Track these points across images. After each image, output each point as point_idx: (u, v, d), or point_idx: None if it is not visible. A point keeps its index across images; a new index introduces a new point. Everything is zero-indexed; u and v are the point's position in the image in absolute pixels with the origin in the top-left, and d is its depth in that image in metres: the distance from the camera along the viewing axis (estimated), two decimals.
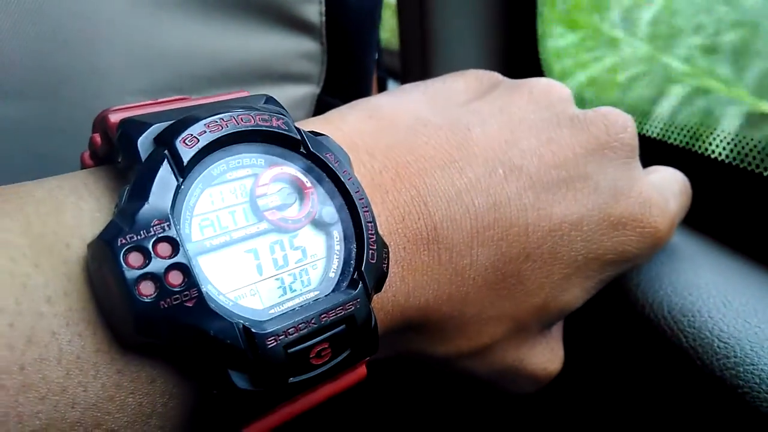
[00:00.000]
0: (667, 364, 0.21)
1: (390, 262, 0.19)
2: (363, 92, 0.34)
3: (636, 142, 0.24)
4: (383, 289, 0.19)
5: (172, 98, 0.18)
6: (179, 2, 0.25)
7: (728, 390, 0.19)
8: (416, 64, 0.45)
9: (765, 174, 0.27)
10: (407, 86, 0.25)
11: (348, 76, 0.33)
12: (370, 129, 0.21)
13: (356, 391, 0.18)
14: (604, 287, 0.25)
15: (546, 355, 0.25)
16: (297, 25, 0.28)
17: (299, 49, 0.29)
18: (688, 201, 0.27)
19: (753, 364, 0.18)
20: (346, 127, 0.21)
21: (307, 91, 0.31)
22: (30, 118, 0.23)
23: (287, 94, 0.30)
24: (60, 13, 0.22)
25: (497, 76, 0.26)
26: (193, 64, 0.25)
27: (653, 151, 0.31)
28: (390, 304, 0.19)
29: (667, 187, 0.26)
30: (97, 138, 0.17)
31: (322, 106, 0.31)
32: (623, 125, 0.24)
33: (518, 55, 0.44)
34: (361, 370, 0.18)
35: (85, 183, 0.16)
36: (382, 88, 0.52)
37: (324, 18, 0.29)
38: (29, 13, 0.22)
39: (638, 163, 0.25)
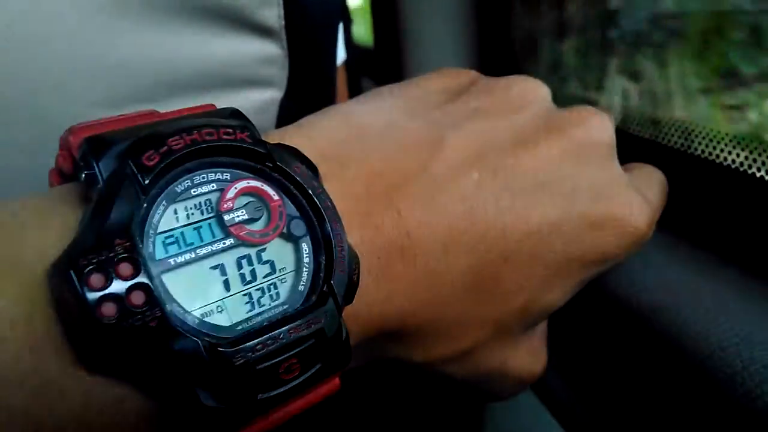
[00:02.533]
0: (641, 361, 0.21)
1: (363, 272, 0.19)
2: (327, 95, 0.34)
3: (614, 140, 0.24)
4: (358, 299, 0.19)
5: (138, 113, 0.17)
6: (133, 11, 0.24)
7: (698, 385, 0.19)
8: (391, 62, 0.45)
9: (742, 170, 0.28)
10: (380, 90, 0.25)
11: (311, 79, 0.33)
12: (341, 137, 0.21)
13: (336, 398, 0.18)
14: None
15: (529, 357, 0.25)
16: (256, 29, 0.28)
17: (260, 54, 0.29)
18: (665, 197, 0.27)
19: (721, 359, 0.19)
20: (317, 135, 0.21)
21: (271, 96, 0.30)
22: None
23: (250, 99, 0.29)
24: (12, 31, 0.22)
25: (473, 74, 0.26)
26: (151, 73, 0.25)
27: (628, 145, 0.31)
28: (365, 313, 0.19)
29: (646, 185, 0.26)
30: (62, 156, 0.17)
31: (285, 110, 0.31)
32: (601, 124, 0.24)
33: (493, 51, 0.44)
34: (334, 383, 0.18)
35: (50, 202, 0.16)
36: (356, 86, 0.52)
37: (283, 21, 0.29)
38: None
39: (616, 162, 0.25)
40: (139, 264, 0.14)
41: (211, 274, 0.15)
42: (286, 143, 0.18)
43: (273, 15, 0.28)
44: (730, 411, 0.18)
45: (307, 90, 0.32)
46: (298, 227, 0.17)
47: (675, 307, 0.22)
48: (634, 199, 0.24)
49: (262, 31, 0.28)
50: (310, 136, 0.21)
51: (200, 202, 0.16)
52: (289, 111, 0.30)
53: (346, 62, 0.40)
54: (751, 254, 0.25)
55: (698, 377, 0.19)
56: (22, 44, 0.22)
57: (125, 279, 0.13)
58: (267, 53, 0.29)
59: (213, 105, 0.19)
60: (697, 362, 0.19)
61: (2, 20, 0.22)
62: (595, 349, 0.24)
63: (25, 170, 0.22)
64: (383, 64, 0.46)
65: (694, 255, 0.26)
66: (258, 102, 0.30)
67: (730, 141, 0.28)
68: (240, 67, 0.28)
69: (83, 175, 0.15)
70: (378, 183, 0.20)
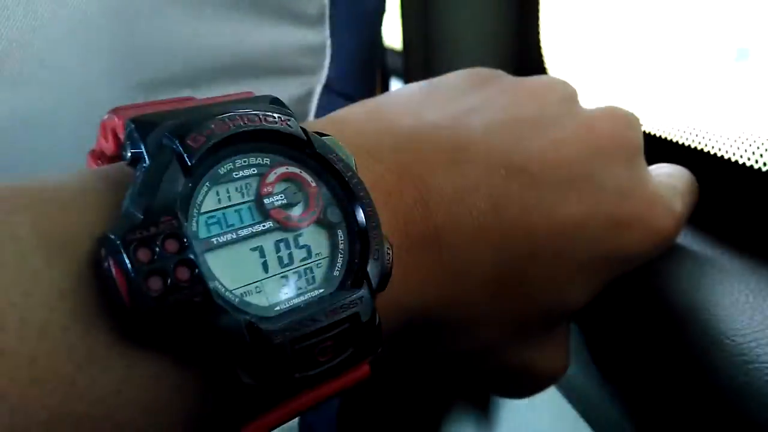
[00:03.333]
0: (669, 362, 0.21)
1: (393, 264, 0.19)
2: (367, 87, 0.35)
3: (641, 140, 0.24)
4: (386, 291, 0.19)
5: (177, 98, 0.18)
6: None
7: (733, 389, 0.19)
8: (419, 63, 0.45)
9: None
10: (410, 86, 0.25)
11: (352, 71, 0.33)
12: (372, 131, 0.22)
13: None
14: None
15: (551, 356, 0.25)
16: (299, 19, 0.29)
17: (302, 44, 0.29)
18: (695, 199, 0.27)
19: (763, 363, 0.18)
20: (348, 129, 0.21)
21: (310, 85, 0.31)
22: (31, 110, 0.23)
23: (290, 88, 0.30)
24: (58, 12, 0.22)
25: (500, 73, 0.26)
26: (193, 59, 0.26)
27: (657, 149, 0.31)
28: (393, 306, 0.20)
29: (673, 186, 0.26)
30: (105, 137, 0.17)
31: (325, 101, 0.31)
32: (628, 124, 0.24)
33: (522, 54, 0.44)
34: (364, 369, 0.18)
35: (94, 180, 0.16)
36: (385, 86, 0.52)
37: (327, 12, 0.29)
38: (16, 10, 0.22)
39: (643, 162, 0.25)
40: (184, 241, 0.14)
41: (250, 256, 0.16)
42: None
43: (316, 4, 0.29)
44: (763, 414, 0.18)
45: (349, 81, 0.32)
46: (334, 214, 0.18)
47: (708, 306, 0.22)
48: (661, 199, 0.24)
49: (306, 20, 0.29)
50: (342, 128, 0.21)
51: (241, 186, 0.16)
52: (330, 103, 0.31)
53: (381, 60, 0.41)
54: None
55: (733, 380, 0.19)
56: (75, 19, 0.23)
57: (172, 254, 0.14)
58: (308, 43, 0.29)
59: (251, 92, 0.19)
60: (733, 363, 0.19)
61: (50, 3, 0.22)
62: (622, 347, 0.24)
63: (70, 147, 0.22)
64: (412, 64, 0.46)
65: (726, 254, 0.26)
66: (297, 91, 0.30)
67: None
68: (281, 56, 0.29)
69: (129, 154, 0.16)
70: (407, 177, 0.20)
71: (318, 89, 0.31)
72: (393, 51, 0.58)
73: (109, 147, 0.17)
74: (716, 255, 0.26)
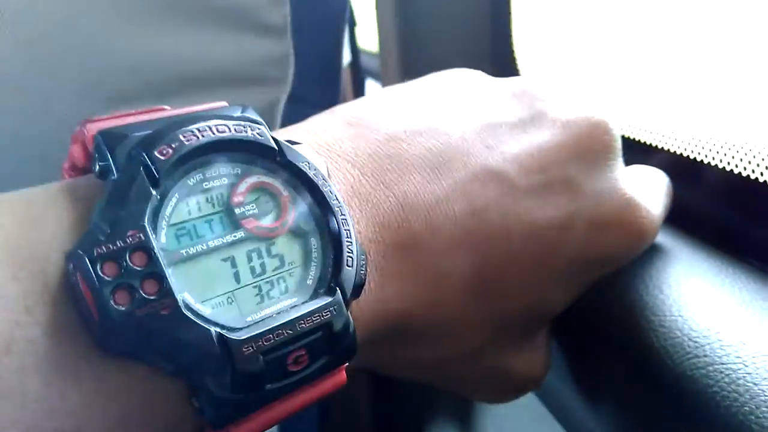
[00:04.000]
0: (641, 364, 0.21)
1: (368, 270, 0.19)
2: (332, 95, 0.35)
3: (618, 142, 0.25)
4: (362, 297, 0.19)
5: (149, 109, 0.18)
6: (141, 9, 0.25)
7: (699, 389, 0.19)
8: (395, 64, 0.45)
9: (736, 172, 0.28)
10: (387, 90, 0.25)
11: (316, 79, 0.33)
12: (348, 136, 0.21)
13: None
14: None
15: (531, 361, 0.25)
16: (262, 29, 0.29)
17: (266, 53, 0.29)
18: (670, 201, 0.27)
19: (723, 363, 0.19)
20: (325, 134, 0.21)
21: (276, 95, 0.31)
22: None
23: (255, 98, 0.30)
24: (26, 26, 0.22)
25: (479, 74, 0.26)
26: (160, 71, 0.26)
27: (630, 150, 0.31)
28: (369, 312, 0.20)
29: (650, 187, 0.26)
30: (75, 150, 0.17)
31: (290, 110, 0.31)
32: (605, 126, 0.24)
33: (496, 54, 0.44)
34: (340, 376, 0.18)
35: (63, 193, 0.16)
36: (360, 88, 0.52)
37: (289, 21, 0.29)
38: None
39: (621, 164, 0.25)
40: (152, 254, 0.14)
41: (222, 266, 0.16)
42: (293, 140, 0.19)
43: (279, 15, 0.29)
44: (731, 417, 0.18)
45: (314, 89, 0.32)
46: (307, 222, 0.18)
47: (681, 310, 0.22)
48: (638, 201, 0.24)
49: (269, 30, 0.29)
50: (317, 134, 0.21)
51: (212, 196, 0.16)
52: (294, 111, 0.31)
53: (351, 64, 0.41)
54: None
55: (699, 382, 0.19)
56: (36, 39, 0.22)
57: (139, 267, 0.14)
58: (272, 53, 0.30)
59: (225, 103, 0.19)
60: (699, 366, 0.19)
61: (17, 17, 0.22)
62: (599, 352, 0.25)
63: (36, 162, 0.22)
64: (388, 66, 0.46)
65: (696, 255, 0.26)
66: (263, 101, 0.30)
67: None
68: (246, 66, 0.29)
69: (97, 167, 0.15)
70: (384, 183, 0.20)
71: (283, 99, 0.31)
72: (368, 53, 0.58)
73: (79, 160, 0.17)
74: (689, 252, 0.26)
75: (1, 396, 0.13)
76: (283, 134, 0.21)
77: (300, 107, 0.31)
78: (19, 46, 0.22)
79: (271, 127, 0.24)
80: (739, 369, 0.18)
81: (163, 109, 0.18)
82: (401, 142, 0.22)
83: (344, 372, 0.18)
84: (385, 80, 0.48)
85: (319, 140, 0.21)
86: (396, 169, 0.21)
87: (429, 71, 0.26)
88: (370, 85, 0.62)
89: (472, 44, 0.43)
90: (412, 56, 0.43)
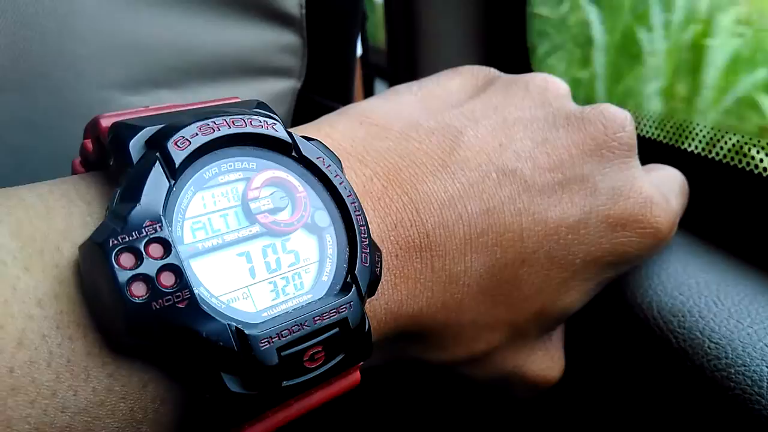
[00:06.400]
0: (659, 366, 0.21)
1: (382, 269, 0.19)
2: (344, 87, 0.34)
3: (635, 140, 0.24)
4: (375, 297, 0.19)
5: (164, 105, 0.18)
6: None
7: (720, 391, 0.19)
8: (404, 61, 0.45)
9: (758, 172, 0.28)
10: (399, 88, 0.25)
11: (329, 70, 0.33)
12: (360, 135, 0.21)
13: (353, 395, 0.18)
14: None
15: (545, 362, 0.25)
16: (276, 18, 0.28)
17: (279, 43, 0.29)
18: (686, 200, 0.27)
19: (745, 365, 0.18)
20: (337, 134, 0.21)
21: (288, 85, 0.30)
22: (5, 111, 0.22)
23: (267, 88, 0.29)
24: (35, 6, 0.22)
25: (493, 71, 0.26)
26: (169, 57, 0.25)
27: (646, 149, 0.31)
28: (383, 312, 0.19)
29: (667, 186, 0.25)
30: (88, 144, 0.17)
31: (302, 101, 0.31)
32: (621, 123, 0.24)
33: (507, 51, 0.44)
34: (355, 376, 0.18)
35: (76, 187, 0.16)
36: (369, 86, 0.52)
37: (304, 11, 0.29)
38: (2, 7, 0.22)
39: (637, 162, 0.24)
40: (169, 245, 0.14)
41: (237, 261, 0.15)
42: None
43: (293, 3, 0.28)
44: (753, 420, 0.18)
45: (326, 80, 0.32)
46: (323, 218, 0.17)
47: (696, 311, 0.22)
48: (655, 200, 0.24)
49: (283, 19, 0.28)
50: (329, 133, 0.21)
51: (227, 190, 0.16)
52: (308, 101, 0.30)
53: (361, 57, 0.40)
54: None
55: (719, 384, 0.19)
56: (40, 20, 0.22)
57: (156, 259, 0.13)
58: (286, 42, 0.29)
59: (237, 97, 0.19)
60: (720, 368, 0.19)
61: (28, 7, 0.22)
62: (612, 353, 0.24)
63: (41, 148, 0.22)
64: (397, 64, 0.46)
65: (714, 257, 0.26)
66: (275, 91, 0.30)
67: None
68: (258, 55, 0.28)
69: (112, 160, 0.15)
70: (397, 181, 0.20)
71: (296, 89, 0.30)
72: (377, 50, 0.58)
73: (92, 154, 0.17)
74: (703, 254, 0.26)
75: (12, 390, 0.13)
76: (296, 130, 0.21)
77: (312, 101, 0.31)
78: (28, 27, 0.22)
79: (284, 117, 0.24)
80: (762, 371, 0.18)
81: (178, 105, 0.18)
82: (413, 141, 0.21)
83: (359, 372, 0.18)
84: (394, 78, 0.48)
85: (330, 139, 0.21)
86: (408, 168, 0.21)
87: (438, 70, 0.26)
88: (377, 84, 0.61)
89: (483, 42, 0.43)
90: (420, 54, 0.43)
